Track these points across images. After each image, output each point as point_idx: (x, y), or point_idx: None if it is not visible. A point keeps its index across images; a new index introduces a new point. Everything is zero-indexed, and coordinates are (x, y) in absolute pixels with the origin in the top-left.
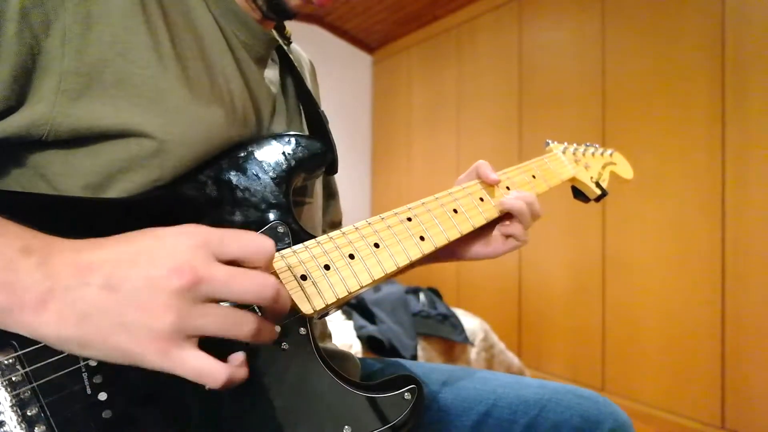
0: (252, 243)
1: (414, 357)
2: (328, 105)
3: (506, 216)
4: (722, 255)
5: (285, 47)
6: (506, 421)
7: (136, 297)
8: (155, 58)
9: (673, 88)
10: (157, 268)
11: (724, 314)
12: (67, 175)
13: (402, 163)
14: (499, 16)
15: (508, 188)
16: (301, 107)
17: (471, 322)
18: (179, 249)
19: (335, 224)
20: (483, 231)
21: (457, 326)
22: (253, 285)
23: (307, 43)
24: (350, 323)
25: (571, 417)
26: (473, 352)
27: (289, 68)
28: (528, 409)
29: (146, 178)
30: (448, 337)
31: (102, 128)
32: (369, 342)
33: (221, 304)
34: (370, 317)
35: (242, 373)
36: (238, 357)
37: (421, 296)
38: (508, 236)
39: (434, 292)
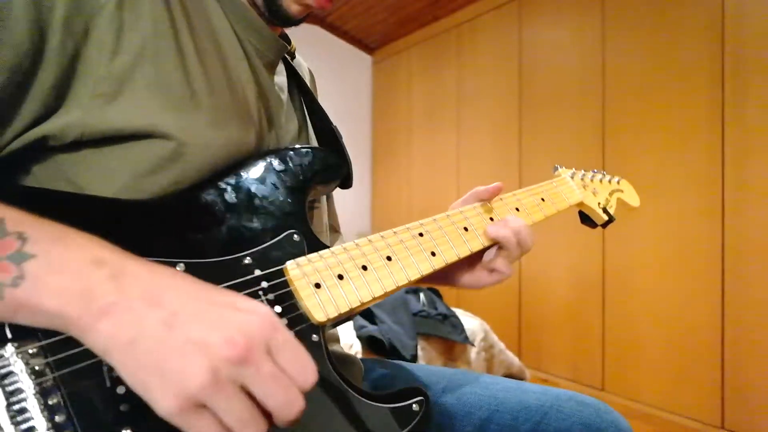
0: (304, 364)
1: (414, 357)
2: (327, 105)
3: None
4: (722, 255)
5: (288, 58)
6: (508, 427)
7: (185, 347)
8: (181, 64)
9: (673, 88)
10: (218, 330)
11: (724, 314)
12: (93, 177)
13: (402, 163)
14: (499, 16)
15: (517, 209)
16: (310, 118)
17: (471, 322)
18: (245, 326)
19: (335, 229)
20: (475, 259)
21: (457, 326)
22: (285, 397)
23: (307, 43)
24: (350, 323)
25: (573, 425)
26: (473, 352)
27: (295, 79)
28: (530, 415)
29: (168, 180)
30: (448, 337)
31: (131, 130)
32: (369, 342)
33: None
34: (370, 317)
35: None
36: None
37: (421, 296)
38: (491, 270)
39: (434, 292)
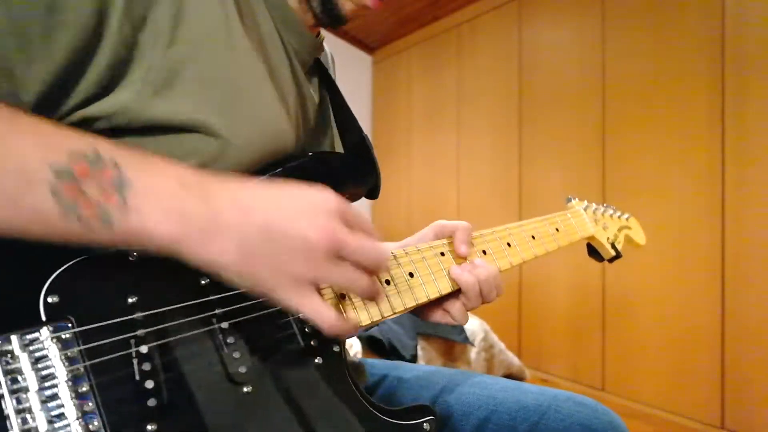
0: (367, 223)
1: (414, 357)
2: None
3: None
4: (722, 255)
5: (320, 58)
6: (506, 427)
7: (287, 242)
8: (232, 60)
9: (673, 89)
10: (308, 224)
11: (724, 314)
12: None
13: (402, 163)
14: (499, 16)
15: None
16: (339, 123)
17: (471, 322)
18: (324, 211)
19: None
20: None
21: (457, 326)
22: (373, 253)
23: None
24: None
25: (571, 425)
26: (473, 352)
27: (327, 82)
28: (528, 415)
29: None
30: (448, 337)
31: (177, 123)
32: (369, 342)
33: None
34: None
35: (349, 328)
36: (352, 317)
37: None
38: (444, 310)
39: None
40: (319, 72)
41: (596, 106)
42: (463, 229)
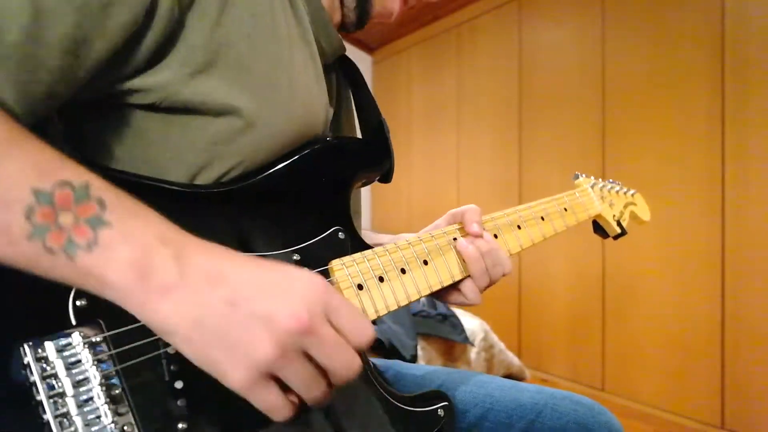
0: (360, 323)
1: (414, 357)
2: None
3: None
4: (722, 255)
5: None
6: (503, 425)
7: (250, 322)
8: (273, 50)
9: (673, 89)
10: (281, 304)
11: (724, 314)
12: (162, 145)
13: (402, 163)
14: (499, 16)
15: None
16: (358, 108)
17: (471, 322)
18: (304, 297)
19: (356, 211)
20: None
21: (457, 326)
22: (345, 360)
23: None
24: None
25: (567, 423)
26: (473, 352)
27: (350, 69)
28: (524, 413)
29: (232, 161)
30: (448, 337)
31: (210, 105)
32: None
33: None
34: None
35: (297, 413)
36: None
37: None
38: (459, 290)
39: None
40: (343, 63)
41: (596, 106)
42: (471, 210)
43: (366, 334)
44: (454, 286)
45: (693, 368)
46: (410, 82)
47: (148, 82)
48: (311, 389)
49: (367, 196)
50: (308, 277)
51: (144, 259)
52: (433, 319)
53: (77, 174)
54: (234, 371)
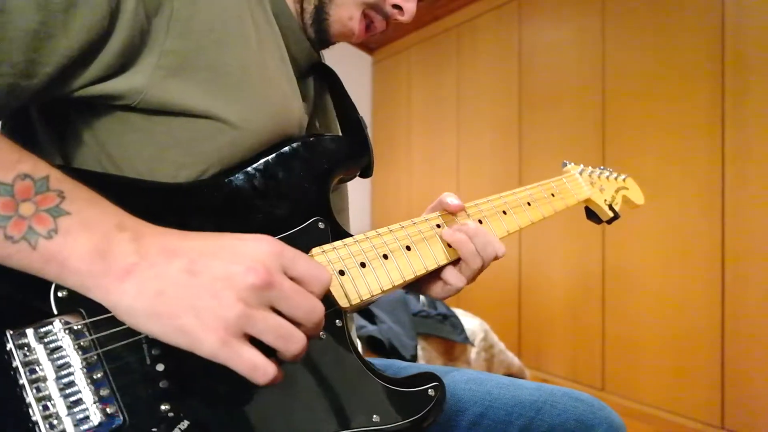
0: (316, 270)
1: (414, 357)
2: None
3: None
4: (722, 255)
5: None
6: (502, 423)
7: (212, 285)
8: (243, 53)
9: (673, 88)
10: (237, 263)
11: (724, 314)
12: (130, 143)
13: (402, 163)
14: (499, 16)
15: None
16: (336, 106)
17: (471, 322)
18: (258, 252)
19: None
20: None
21: (457, 326)
22: (308, 306)
23: None
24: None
25: (567, 420)
26: (473, 352)
27: (328, 79)
28: (524, 410)
29: (211, 159)
30: (448, 337)
31: (187, 107)
32: (369, 342)
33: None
34: (369, 317)
35: (280, 377)
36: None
37: (421, 296)
38: (444, 282)
39: None
40: (319, 71)
41: (596, 105)
42: (447, 193)
43: (322, 279)
44: (436, 276)
45: (693, 368)
46: (410, 82)
47: (123, 85)
48: (286, 340)
49: (367, 195)
50: (259, 237)
51: (103, 243)
52: (433, 319)
53: (37, 168)
54: (206, 336)
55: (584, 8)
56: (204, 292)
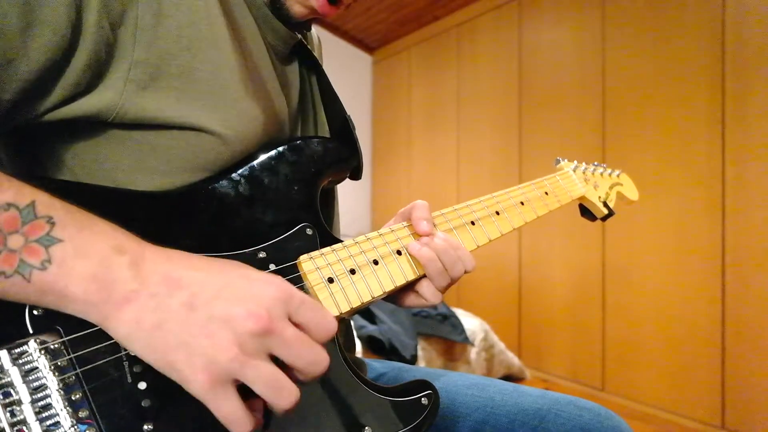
0: (322, 318)
1: (414, 357)
2: None
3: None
4: (722, 255)
5: (304, 41)
6: (504, 430)
7: (210, 324)
8: (216, 56)
9: (673, 89)
10: (239, 305)
11: (724, 314)
12: (120, 155)
13: (402, 163)
14: (499, 16)
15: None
16: (324, 106)
17: (471, 322)
18: (264, 295)
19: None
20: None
21: (457, 326)
22: (310, 356)
23: None
24: (350, 322)
25: (572, 429)
26: (473, 352)
27: (313, 67)
28: (527, 419)
29: (195, 166)
30: (448, 337)
31: (164, 119)
32: (369, 342)
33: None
34: (369, 317)
35: (260, 423)
36: (259, 405)
37: None
38: (417, 293)
39: None
40: (302, 55)
41: (596, 106)
42: (418, 207)
43: (329, 327)
44: (411, 289)
45: (693, 368)
46: (410, 82)
47: (93, 103)
48: (277, 393)
49: (367, 196)
50: (266, 277)
51: (101, 270)
52: (433, 319)
53: (21, 195)
54: (195, 375)
55: (584, 8)
56: (199, 331)
